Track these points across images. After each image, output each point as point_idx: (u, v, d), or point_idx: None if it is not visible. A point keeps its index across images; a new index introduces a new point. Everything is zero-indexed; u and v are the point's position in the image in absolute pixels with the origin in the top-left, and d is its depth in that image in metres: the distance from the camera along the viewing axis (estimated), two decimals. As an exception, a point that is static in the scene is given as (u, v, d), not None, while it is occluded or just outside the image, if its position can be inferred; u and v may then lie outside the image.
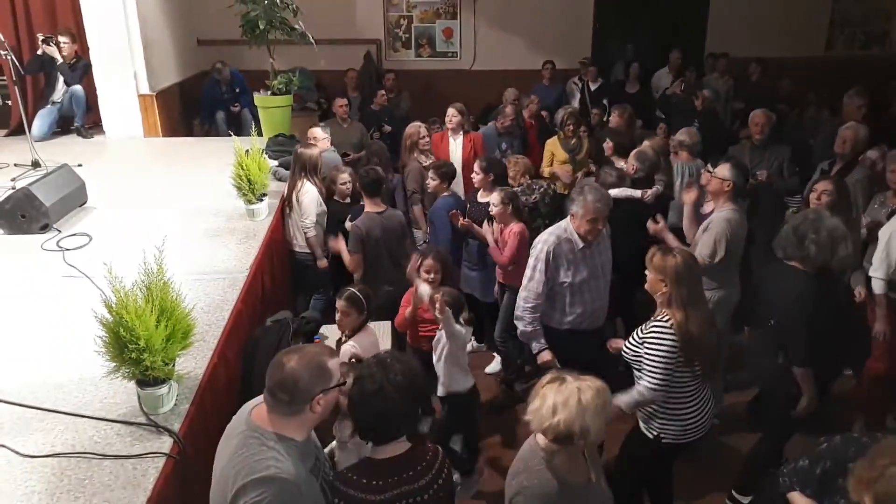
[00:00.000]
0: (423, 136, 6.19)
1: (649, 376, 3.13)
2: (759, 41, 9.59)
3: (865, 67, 9.27)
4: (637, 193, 4.84)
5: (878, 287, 4.23)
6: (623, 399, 3.19)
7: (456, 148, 6.33)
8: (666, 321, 3.11)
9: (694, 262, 3.23)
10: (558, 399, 2.29)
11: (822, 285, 3.44)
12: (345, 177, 5.46)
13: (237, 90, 8.52)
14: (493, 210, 4.71)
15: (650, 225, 4.53)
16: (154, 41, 7.69)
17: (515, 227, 4.66)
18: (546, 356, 3.86)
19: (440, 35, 10.25)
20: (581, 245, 3.80)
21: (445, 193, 5.34)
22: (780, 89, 8.64)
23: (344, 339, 3.68)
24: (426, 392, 2.50)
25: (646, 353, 3.14)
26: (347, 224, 4.97)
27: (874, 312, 4.31)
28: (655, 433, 3.25)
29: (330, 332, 4.12)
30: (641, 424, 3.33)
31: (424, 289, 3.94)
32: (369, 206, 4.84)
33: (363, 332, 3.61)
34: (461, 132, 6.38)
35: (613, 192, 4.78)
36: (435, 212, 5.33)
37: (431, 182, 5.35)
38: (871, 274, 4.28)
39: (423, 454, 2.34)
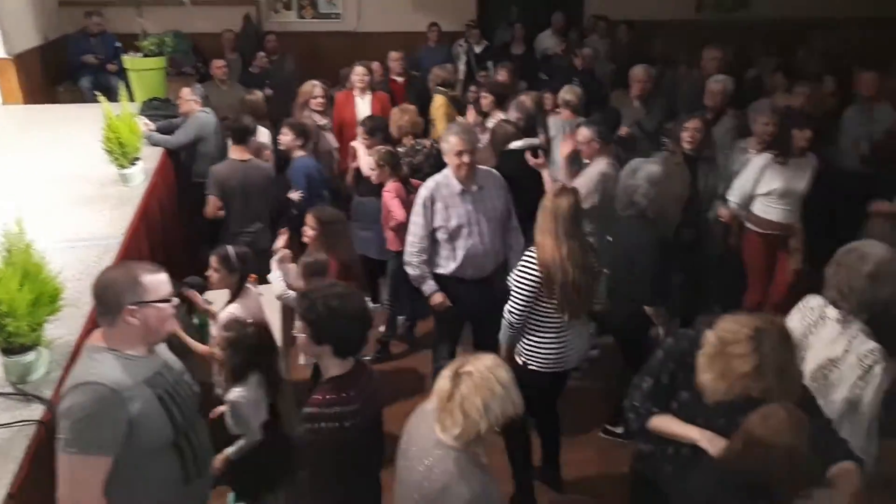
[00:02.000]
0: (317, 96, 6.05)
1: (512, 301, 3.33)
2: (634, 3, 9.92)
3: (732, 29, 9.79)
4: (537, 141, 4.96)
5: (729, 209, 4.79)
6: (501, 336, 3.38)
7: (365, 108, 6.25)
8: (533, 252, 3.27)
9: (572, 198, 3.31)
10: (484, 395, 2.06)
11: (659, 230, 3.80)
12: (268, 153, 5.29)
13: (115, 45, 7.97)
14: (371, 174, 4.71)
15: (530, 159, 4.63)
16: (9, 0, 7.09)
17: (390, 185, 4.65)
18: (437, 298, 4.00)
19: (323, -5, 10.02)
20: (459, 189, 3.86)
21: (301, 153, 5.23)
22: (653, 50, 9.01)
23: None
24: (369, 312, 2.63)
25: (513, 279, 3.32)
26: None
27: (748, 247, 4.69)
28: (523, 360, 3.43)
29: (216, 297, 4.02)
30: (516, 355, 3.49)
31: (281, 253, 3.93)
32: (234, 153, 4.81)
33: (245, 295, 3.53)
34: (369, 92, 6.32)
35: (516, 143, 4.88)
36: (293, 173, 5.18)
37: (284, 138, 5.20)
38: (727, 197, 4.76)
39: (363, 363, 2.58)
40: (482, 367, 2.10)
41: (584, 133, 4.61)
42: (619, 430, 4.21)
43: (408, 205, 4.37)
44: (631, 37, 9.22)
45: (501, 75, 6.79)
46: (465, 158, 3.78)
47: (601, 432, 4.30)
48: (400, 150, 5.13)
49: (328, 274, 3.68)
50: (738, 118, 5.61)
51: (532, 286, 3.28)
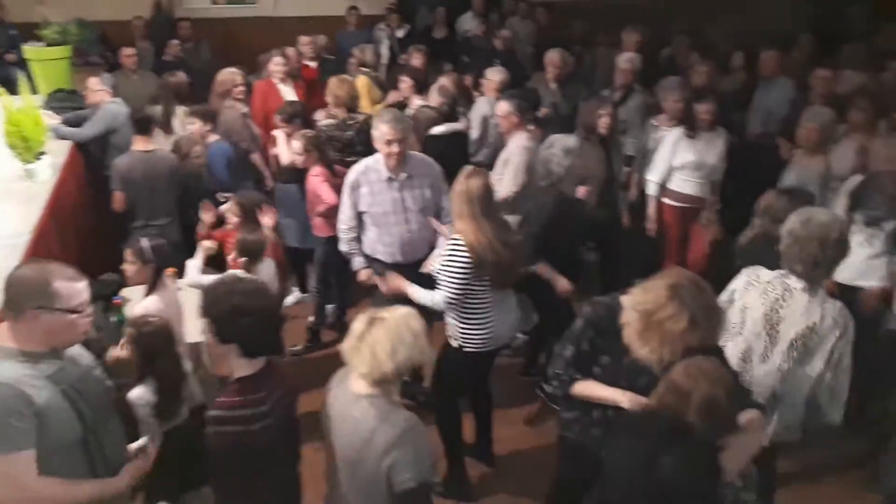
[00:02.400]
0: (238, 84, 5.87)
1: (445, 290, 3.31)
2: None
3: (645, 9, 10.02)
4: (460, 126, 4.97)
5: (651, 189, 4.95)
6: (418, 294, 3.40)
7: (290, 96, 6.16)
8: (456, 238, 3.29)
9: (482, 178, 3.34)
10: (394, 338, 2.18)
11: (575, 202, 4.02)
12: (199, 149, 5.11)
13: (11, 34, 7.54)
14: (297, 160, 4.63)
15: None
16: None
17: (316, 170, 4.59)
18: (363, 275, 4.04)
19: (237, -21, 9.76)
20: (386, 175, 3.85)
21: (214, 137, 5.09)
22: (573, 32, 9.15)
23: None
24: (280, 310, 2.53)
25: (442, 268, 3.31)
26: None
27: (664, 220, 4.91)
28: (458, 343, 3.45)
29: (133, 294, 3.89)
30: (449, 338, 3.51)
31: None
32: (137, 144, 4.66)
33: (162, 289, 3.43)
34: (290, 79, 6.25)
35: (439, 128, 4.89)
36: (211, 159, 5.03)
37: (192, 126, 5.07)
38: (646, 177, 4.91)
39: (273, 364, 2.44)
40: (397, 315, 2.24)
41: (503, 106, 4.68)
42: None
43: (336, 188, 4.35)
44: (550, 19, 9.32)
45: (416, 59, 6.79)
46: (395, 148, 3.76)
47: (537, 389, 4.36)
48: (330, 122, 5.06)
49: (264, 255, 3.76)
50: (645, 96, 5.75)
51: (464, 272, 3.27)
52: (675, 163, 4.88)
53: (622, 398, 2.44)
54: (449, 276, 3.29)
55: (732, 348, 2.84)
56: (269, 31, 9.20)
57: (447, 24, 9.39)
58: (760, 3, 10.62)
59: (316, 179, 4.56)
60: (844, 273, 3.99)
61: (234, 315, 2.23)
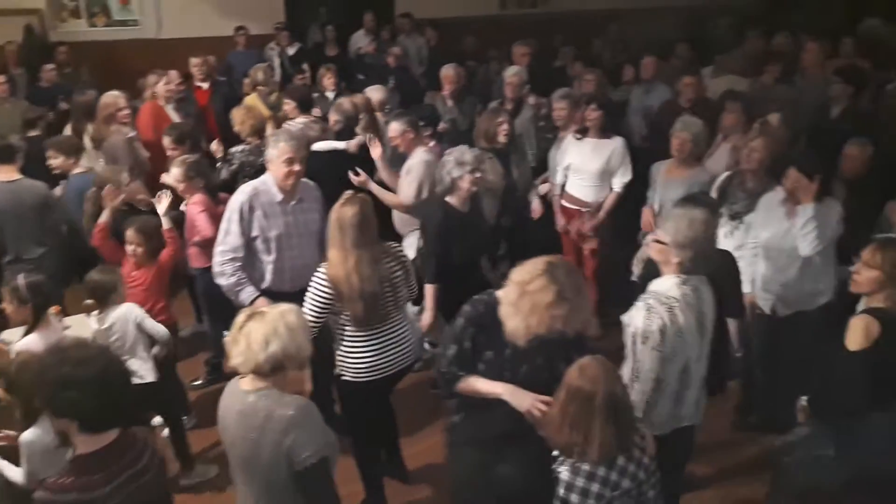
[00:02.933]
0: (122, 108, 5.59)
1: (305, 310, 3.20)
2: (441, 1, 10.17)
3: (534, 23, 10.35)
4: (341, 145, 4.91)
5: (554, 190, 5.15)
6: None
7: (176, 119, 5.95)
8: (322, 266, 3.24)
9: (356, 206, 3.24)
10: (267, 329, 2.26)
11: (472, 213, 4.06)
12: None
13: None
14: (178, 186, 4.42)
15: (353, 177, 4.63)
16: None
17: (196, 197, 4.37)
18: (261, 303, 3.69)
19: (115, 1, 9.34)
20: (280, 197, 3.76)
21: (77, 170, 4.84)
22: (465, 47, 9.32)
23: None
24: (127, 376, 2.25)
25: (307, 294, 3.26)
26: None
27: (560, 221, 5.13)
28: (337, 371, 3.40)
29: (14, 335, 3.62)
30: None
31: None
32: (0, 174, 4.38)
33: (46, 328, 3.20)
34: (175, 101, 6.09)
35: (318, 145, 4.84)
36: (67, 193, 4.78)
37: (53, 161, 4.80)
38: (550, 180, 5.16)
39: (133, 435, 2.18)
40: (275, 310, 2.34)
41: (395, 127, 4.67)
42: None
43: (216, 218, 4.12)
44: (438, 35, 9.45)
45: (326, 79, 6.89)
46: (295, 166, 3.67)
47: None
48: (244, 147, 5.00)
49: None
50: (536, 107, 5.90)
51: (323, 301, 3.22)
52: (564, 165, 5.04)
53: (503, 391, 2.54)
54: (310, 303, 3.24)
55: (672, 368, 2.80)
56: (152, 53, 8.87)
57: (338, 41, 9.36)
58: (641, 15, 11.19)
59: (194, 209, 4.33)
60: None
61: (63, 388, 1.96)
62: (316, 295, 3.24)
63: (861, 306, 2.98)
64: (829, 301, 3.82)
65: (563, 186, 5.12)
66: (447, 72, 6.26)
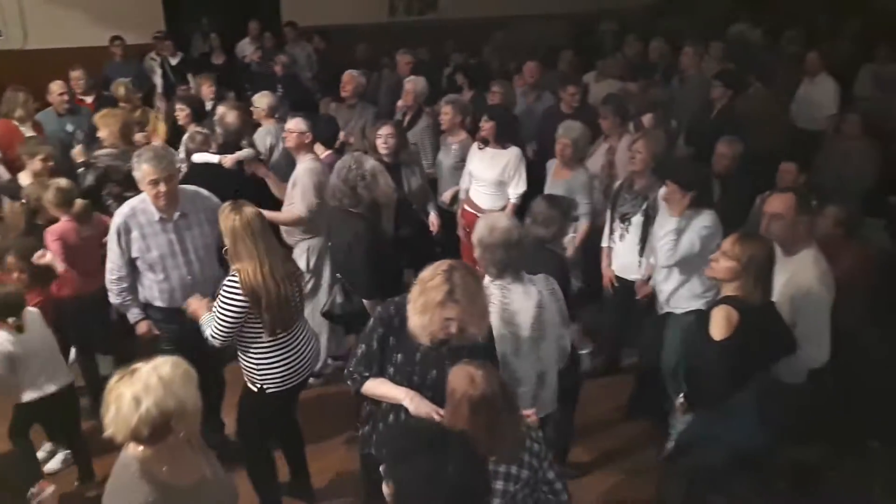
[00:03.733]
0: None
1: (216, 327, 3.15)
2: (329, 9, 10.06)
3: (425, 31, 10.41)
4: (214, 159, 4.73)
5: (459, 195, 5.23)
6: (204, 317, 3.23)
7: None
8: (233, 276, 3.12)
9: (256, 218, 3.18)
10: (136, 388, 1.99)
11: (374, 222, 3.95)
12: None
13: None
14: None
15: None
16: None
17: (52, 227, 4.02)
18: (142, 327, 3.74)
19: (-26, 10, 8.70)
20: (158, 217, 3.58)
21: None
22: (357, 55, 9.24)
23: None
24: None
25: (217, 306, 3.14)
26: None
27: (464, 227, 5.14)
28: (259, 385, 3.28)
29: None
30: (247, 381, 3.34)
31: None
32: None
33: None
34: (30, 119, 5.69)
35: (194, 157, 4.65)
36: None
37: None
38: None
39: None
40: (148, 365, 2.05)
41: (296, 122, 4.51)
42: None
43: (75, 248, 3.95)
44: (327, 43, 9.35)
45: (205, 87, 6.56)
46: (162, 188, 3.49)
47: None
48: (110, 151, 4.75)
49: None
50: (432, 115, 5.91)
51: (238, 314, 3.11)
52: (468, 171, 5.10)
53: (404, 396, 2.55)
54: (222, 315, 3.12)
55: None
56: (19, 65, 8.30)
57: (224, 50, 9.08)
58: (527, 22, 11.46)
59: (49, 237, 4.00)
60: (615, 263, 4.42)
61: None
62: (229, 308, 3.09)
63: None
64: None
65: (467, 191, 5.17)
66: (345, 78, 6.19)
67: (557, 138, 4.73)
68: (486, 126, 4.92)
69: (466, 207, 5.18)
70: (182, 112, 5.46)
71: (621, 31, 10.48)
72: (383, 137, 4.77)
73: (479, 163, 5.02)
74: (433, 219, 5.07)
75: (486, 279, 2.98)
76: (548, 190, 4.77)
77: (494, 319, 2.87)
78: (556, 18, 11.84)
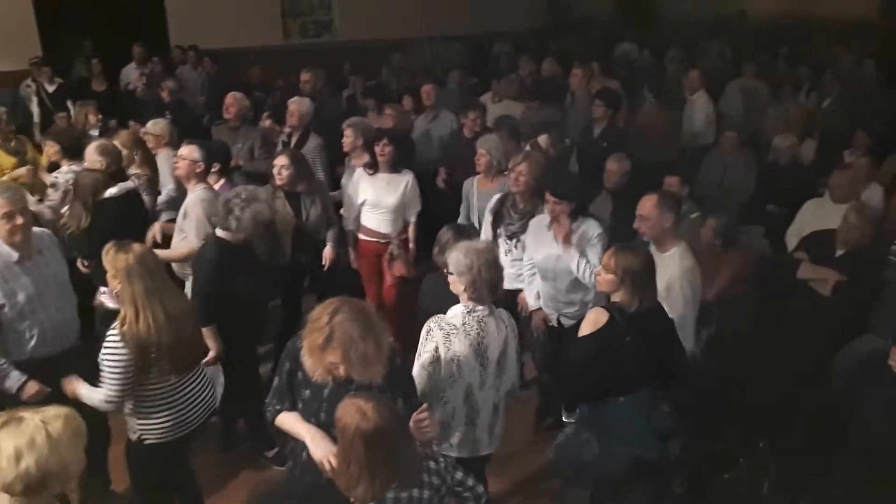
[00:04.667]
0: None
1: (108, 388, 2.92)
2: (221, 32, 9.83)
3: (320, 53, 10.32)
4: (131, 185, 4.52)
5: (347, 225, 5.15)
6: (83, 391, 3.01)
7: None
8: (112, 331, 2.92)
9: (149, 255, 3.06)
10: (20, 442, 1.87)
11: (244, 255, 3.83)
12: None
13: None
14: None
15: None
16: None
17: None
18: (31, 388, 3.24)
19: None
20: (16, 257, 3.28)
21: None
22: (251, 77, 9.05)
23: None
24: None
25: (103, 362, 2.91)
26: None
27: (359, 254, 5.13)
28: (136, 435, 3.10)
29: None
30: (130, 433, 3.14)
31: None
32: None
33: None
34: None
35: (111, 190, 4.38)
36: None
37: None
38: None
39: None
40: (37, 417, 1.92)
41: (189, 150, 4.34)
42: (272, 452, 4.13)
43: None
44: (218, 66, 9.13)
45: (89, 116, 6.33)
46: (18, 220, 3.21)
47: (261, 457, 4.16)
48: None
49: None
50: (322, 137, 5.82)
51: (125, 367, 2.90)
52: (358, 199, 4.99)
53: (305, 433, 2.49)
54: (110, 376, 2.91)
55: (455, 393, 2.98)
56: None
57: (107, 76, 8.68)
58: (423, 44, 11.60)
59: None
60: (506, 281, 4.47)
61: None
62: (115, 366, 2.88)
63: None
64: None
65: (357, 219, 5.07)
66: (229, 100, 6.04)
67: (477, 151, 4.88)
68: (386, 151, 4.87)
69: (362, 236, 5.10)
70: (51, 149, 5.08)
71: (515, 52, 10.76)
72: (277, 167, 4.67)
73: (374, 189, 4.95)
74: (328, 251, 4.91)
75: (461, 310, 2.95)
76: (476, 201, 4.89)
77: (468, 350, 2.91)
78: (453, 40, 12.05)
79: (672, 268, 3.50)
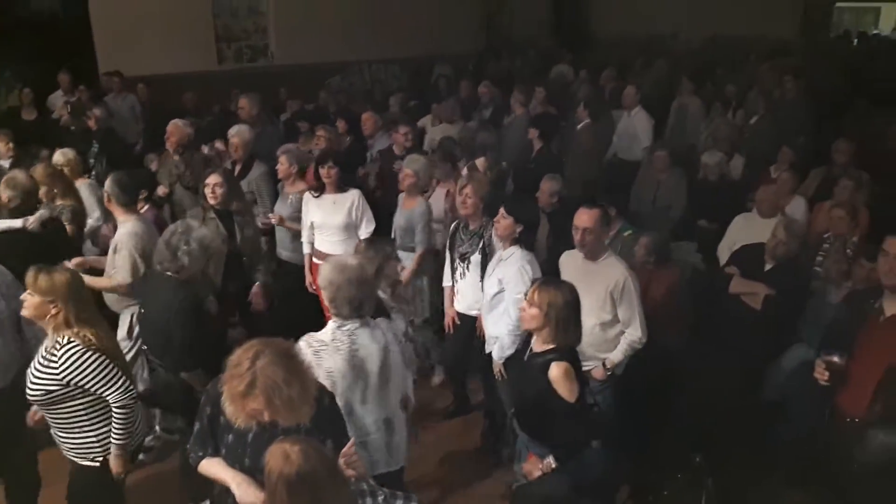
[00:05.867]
0: None
1: (112, 388, 2.95)
2: (151, 59, 9.58)
3: (256, 77, 10.17)
4: (17, 223, 4.30)
5: (303, 249, 5.12)
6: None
7: None
8: (75, 343, 2.88)
9: (81, 279, 3.08)
10: None
11: (197, 292, 3.64)
12: None
13: None
14: None
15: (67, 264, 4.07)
16: None
17: None
18: None
19: None
20: None
21: None
22: (186, 104, 8.86)
23: None
24: None
25: (86, 376, 2.89)
26: None
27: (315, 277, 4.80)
28: (102, 458, 3.04)
29: None
30: (80, 462, 3.07)
31: None
32: None
33: None
34: None
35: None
36: None
37: None
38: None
39: None
40: None
41: (107, 187, 4.19)
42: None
43: None
44: (151, 92, 8.93)
45: (1, 145, 5.97)
46: None
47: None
48: None
49: None
50: (266, 163, 5.73)
51: (106, 360, 2.94)
52: (307, 222, 4.95)
53: (231, 481, 2.42)
54: (106, 375, 2.93)
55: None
56: None
57: (37, 105, 8.40)
58: (362, 68, 11.59)
59: None
60: (461, 304, 4.44)
61: None
62: (98, 364, 2.90)
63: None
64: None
65: (311, 244, 5.02)
66: (170, 128, 5.88)
67: (402, 171, 4.89)
68: (331, 173, 4.81)
69: (316, 261, 5.00)
70: None
71: (454, 74, 10.83)
72: (210, 186, 4.56)
73: (320, 211, 4.90)
74: (255, 290, 4.79)
75: (331, 325, 2.91)
76: (396, 220, 4.98)
77: (343, 366, 2.83)
78: (392, 63, 12.05)
79: (615, 269, 3.64)
